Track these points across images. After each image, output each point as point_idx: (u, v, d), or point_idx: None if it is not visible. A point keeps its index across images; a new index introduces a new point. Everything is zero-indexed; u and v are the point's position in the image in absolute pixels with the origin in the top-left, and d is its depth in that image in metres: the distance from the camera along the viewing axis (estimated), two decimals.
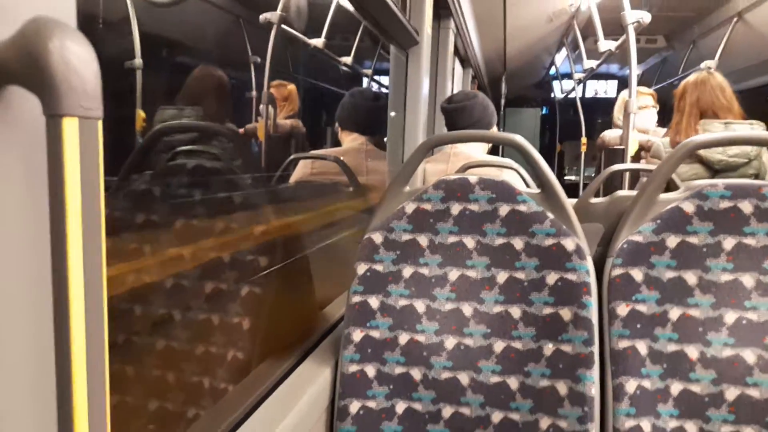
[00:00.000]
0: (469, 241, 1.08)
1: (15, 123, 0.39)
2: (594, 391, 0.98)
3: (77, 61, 0.35)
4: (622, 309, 1.02)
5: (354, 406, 1.03)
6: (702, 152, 1.96)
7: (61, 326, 0.37)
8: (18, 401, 0.41)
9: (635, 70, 2.50)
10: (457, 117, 1.96)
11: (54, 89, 0.34)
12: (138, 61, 1.25)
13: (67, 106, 0.35)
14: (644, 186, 1.09)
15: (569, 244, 1.03)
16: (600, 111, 7.04)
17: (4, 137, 0.38)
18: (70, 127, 0.36)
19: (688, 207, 1.03)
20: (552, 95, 8.38)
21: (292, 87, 2.16)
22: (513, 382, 1.02)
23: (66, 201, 0.36)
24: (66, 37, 0.35)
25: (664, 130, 2.37)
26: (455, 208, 1.09)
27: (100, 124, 0.38)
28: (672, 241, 1.03)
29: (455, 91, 2.83)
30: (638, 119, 3.02)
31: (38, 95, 0.35)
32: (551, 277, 1.03)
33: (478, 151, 2.03)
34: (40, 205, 0.39)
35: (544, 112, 9.11)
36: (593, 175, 4.82)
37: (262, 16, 1.75)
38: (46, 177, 0.36)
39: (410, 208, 1.10)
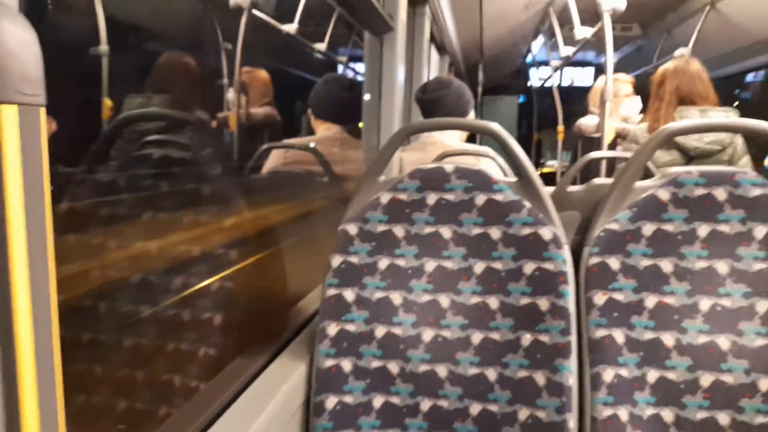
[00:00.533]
0: (446, 231, 1.06)
1: None
2: (572, 380, 0.98)
3: (15, 43, 0.32)
4: (599, 298, 1.02)
5: (330, 402, 1.01)
6: (679, 139, 1.98)
7: (5, 340, 0.34)
8: None
9: (611, 58, 2.51)
10: (432, 107, 1.93)
11: None
12: (103, 47, 1.20)
13: (4, 92, 0.32)
14: (621, 173, 1.09)
15: (546, 233, 1.02)
16: (577, 99, 7.05)
17: None
18: (8, 116, 0.33)
19: (664, 194, 1.03)
20: (528, 83, 8.39)
21: (264, 74, 2.11)
22: (491, 374, 1.01)
23: (6, 197, 0.33)
24: (3, 17, 0.32)
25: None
26: (431, 198, 1.07)
27: (42, 111, 0.35)
28: (648, 228, 1.03)
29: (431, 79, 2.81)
30: (623, 107, 3.04)
31: None
32: (528, 267, 1.02)
33: (455, 139, 2.01)
34: None
35: (521, 100, 9.12)
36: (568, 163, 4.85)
37: (233, 1, 1.70)
38: None
39: (385, 198, 1.07)
